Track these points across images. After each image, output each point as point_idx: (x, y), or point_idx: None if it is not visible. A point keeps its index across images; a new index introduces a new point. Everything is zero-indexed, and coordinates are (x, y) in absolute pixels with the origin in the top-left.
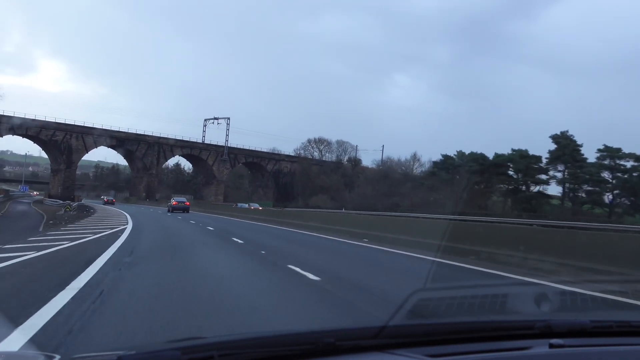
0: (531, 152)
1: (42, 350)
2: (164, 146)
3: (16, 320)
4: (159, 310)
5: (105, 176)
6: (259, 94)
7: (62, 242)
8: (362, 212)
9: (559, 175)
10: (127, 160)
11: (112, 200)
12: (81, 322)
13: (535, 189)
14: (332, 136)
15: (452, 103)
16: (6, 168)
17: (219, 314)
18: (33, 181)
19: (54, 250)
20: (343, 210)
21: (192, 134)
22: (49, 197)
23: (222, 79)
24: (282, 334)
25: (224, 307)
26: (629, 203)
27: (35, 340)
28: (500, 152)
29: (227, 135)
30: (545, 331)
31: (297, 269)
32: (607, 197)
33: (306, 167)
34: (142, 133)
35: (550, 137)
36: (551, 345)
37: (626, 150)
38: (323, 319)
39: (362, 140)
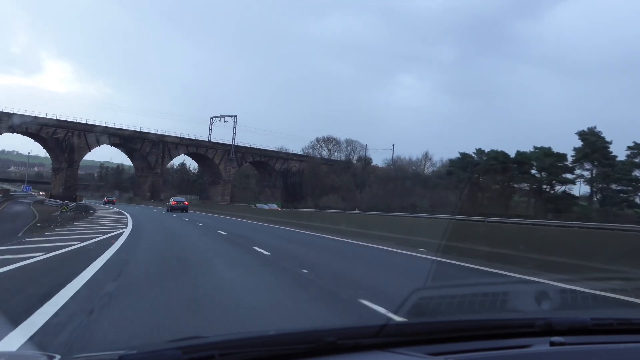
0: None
1: None
2: (168, 144)
3: None
4: None
5: (110, 176)
6: (265, 93)
7: (32, 255)
8: (389, 213)
9: (587, 174)
10: (130, 159)
11: (112, 200)
12: None
13: (560, 188)
14: (340, 135)
15: (457, 103)
16: (11, 168)
17: None
18: (36, 181)
19: (4, 272)
20: (357, 210)
21: (198, 133)
22: (50, 197)
23: (228, 78)
24: (283, 332)
25: None
26: None
27: None
28: (505, 151)
29: (234, 133)
30: (546, 329)
31: (381, 309)
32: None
33: (315, 166)
34: (146, 131)
35: (576, 133)
36: (552, 343)
37: None
38: None
39: (369, 139)
